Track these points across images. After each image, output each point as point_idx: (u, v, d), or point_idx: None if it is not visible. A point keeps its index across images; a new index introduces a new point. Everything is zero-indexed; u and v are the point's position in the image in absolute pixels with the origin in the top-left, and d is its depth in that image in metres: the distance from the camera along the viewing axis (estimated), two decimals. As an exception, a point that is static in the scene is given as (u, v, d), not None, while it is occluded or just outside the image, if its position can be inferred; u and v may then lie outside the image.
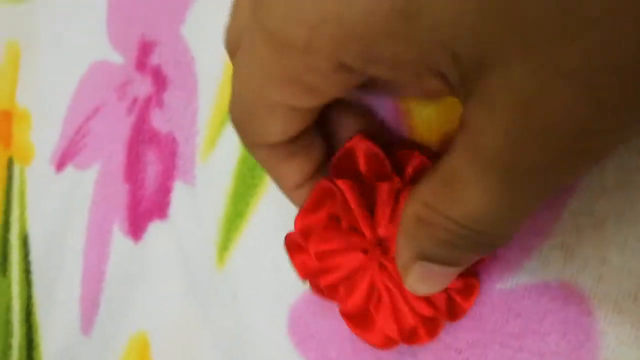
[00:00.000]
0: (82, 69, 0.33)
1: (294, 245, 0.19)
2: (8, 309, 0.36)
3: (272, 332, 0.23)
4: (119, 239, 0.29)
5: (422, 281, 0.16)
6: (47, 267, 0.33)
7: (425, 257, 0.16)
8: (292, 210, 0.22)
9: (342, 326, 0.21)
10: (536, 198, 0.14)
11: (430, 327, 0.18)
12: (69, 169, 0.33)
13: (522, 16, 0.11)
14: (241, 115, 0.16)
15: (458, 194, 0.14)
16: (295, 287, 0.22)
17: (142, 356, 0.27)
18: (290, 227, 0.22)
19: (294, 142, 0.17)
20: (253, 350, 0.23)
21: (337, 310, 0.19)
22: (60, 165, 0.33)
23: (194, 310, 0.25)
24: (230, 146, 0.25)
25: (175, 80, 0.27)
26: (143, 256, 0.28)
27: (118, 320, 0.29)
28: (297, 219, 0.19)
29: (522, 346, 0.17)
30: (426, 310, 0.18)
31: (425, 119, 0.19)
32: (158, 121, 0.28)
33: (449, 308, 0.18)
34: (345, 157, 0.18)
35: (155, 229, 0.27)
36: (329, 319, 0.21)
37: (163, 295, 0.27)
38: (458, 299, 0.18)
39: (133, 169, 0.29)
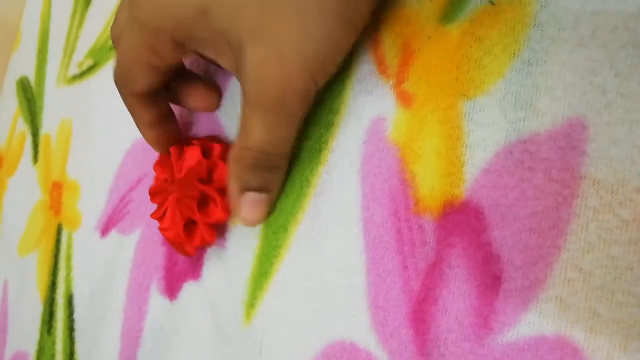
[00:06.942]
0: (127, 145, 0.36)
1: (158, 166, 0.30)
2: (51, 366, 0.38)
3: (295, 385, 0.24)
4: (156, 298, 0.31)
5: (251, 209, 0.24)
6: (90, 325, 0.35)
7: (245, 186, 0.24)
8: (311, 269, 0.24)
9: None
10: (286, 126, 0.22)
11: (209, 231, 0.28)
12: (113, 234, 0.35)
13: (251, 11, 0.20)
14: (122, 74, 0.25)
15: (247, 130, 0.22)
16: (314, 343, 0.24)
17: (175, 409, 0.29)
18: (308, 286, 0.24)
19: (152, 98, 0.26)
20: (277, 402, 0.24)
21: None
22: (105, 230, 0.36)
23: (223, 365, 0.27)
24: (257, 212, 0.27)
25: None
26: (177, 314, 0.30)
27: (153, 375, 0.30)
28: (157, 163, 0.30)
29: (524, 395, 0.18)
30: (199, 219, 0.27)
31: (428, 186, 0.21)
32: (193, 190, 0.31)
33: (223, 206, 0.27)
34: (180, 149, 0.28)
35: (189, 289, 0.29)
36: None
37: (195, 352, 0.28)
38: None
39: (170, 233, 0.31)
